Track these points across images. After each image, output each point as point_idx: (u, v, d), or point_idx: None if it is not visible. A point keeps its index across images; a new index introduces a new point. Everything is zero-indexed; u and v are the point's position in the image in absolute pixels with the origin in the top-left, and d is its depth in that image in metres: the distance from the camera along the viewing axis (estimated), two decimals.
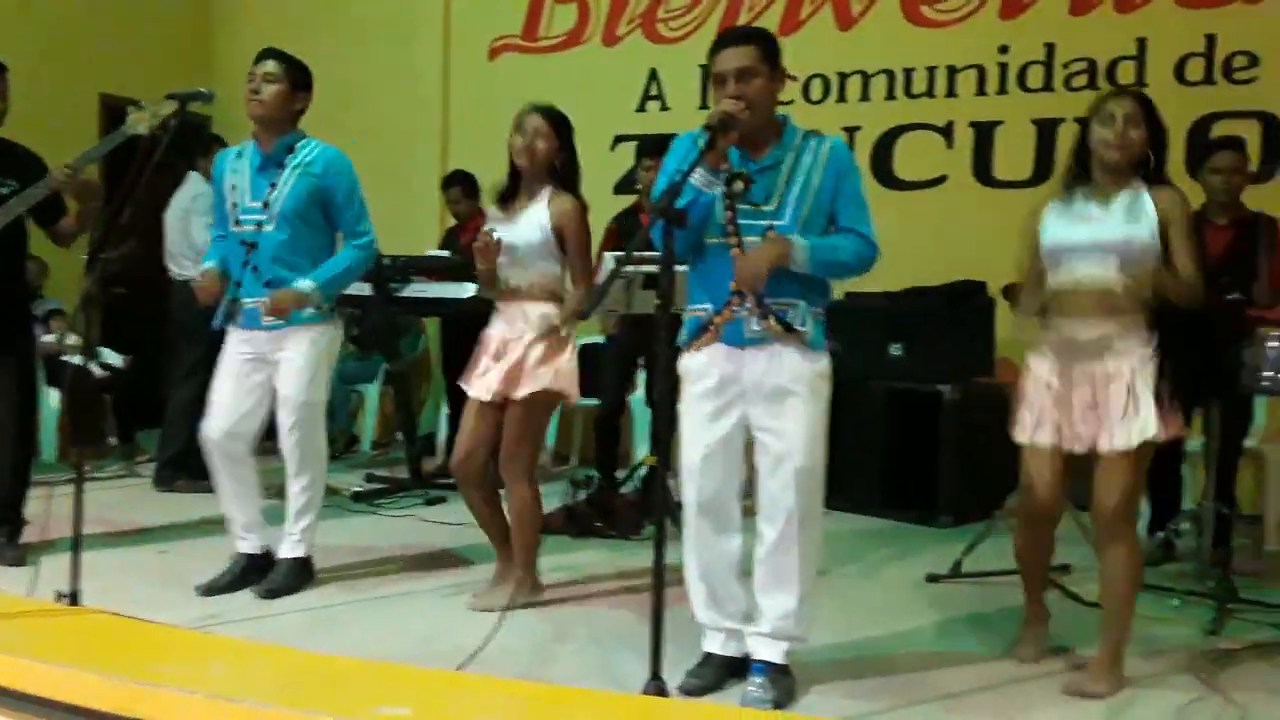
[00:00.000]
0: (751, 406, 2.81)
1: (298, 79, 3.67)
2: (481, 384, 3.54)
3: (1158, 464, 4.32)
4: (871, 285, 5.50)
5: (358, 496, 5.22)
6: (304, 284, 3.58)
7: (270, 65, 3.63)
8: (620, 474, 5.14)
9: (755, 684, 2.42)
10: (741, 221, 2.77)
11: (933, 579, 4.06)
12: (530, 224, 3.50)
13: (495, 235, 3.42)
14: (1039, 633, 3.27)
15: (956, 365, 5.10)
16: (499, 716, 2.03)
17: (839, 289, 5.63)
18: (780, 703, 2.77)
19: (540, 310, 3.50)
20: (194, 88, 3.32)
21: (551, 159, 3.52)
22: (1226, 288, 3.67)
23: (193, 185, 5.39)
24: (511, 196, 3.58)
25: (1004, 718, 2.82)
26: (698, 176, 2.67)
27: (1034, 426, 3.02)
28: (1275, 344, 3.67)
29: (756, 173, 2.78)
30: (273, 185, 3.62)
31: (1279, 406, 4.84)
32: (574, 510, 4.72)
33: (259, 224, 3.62)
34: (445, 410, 6.14)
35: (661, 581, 2.44)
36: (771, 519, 2.80)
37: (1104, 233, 2.96)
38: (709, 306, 2.83)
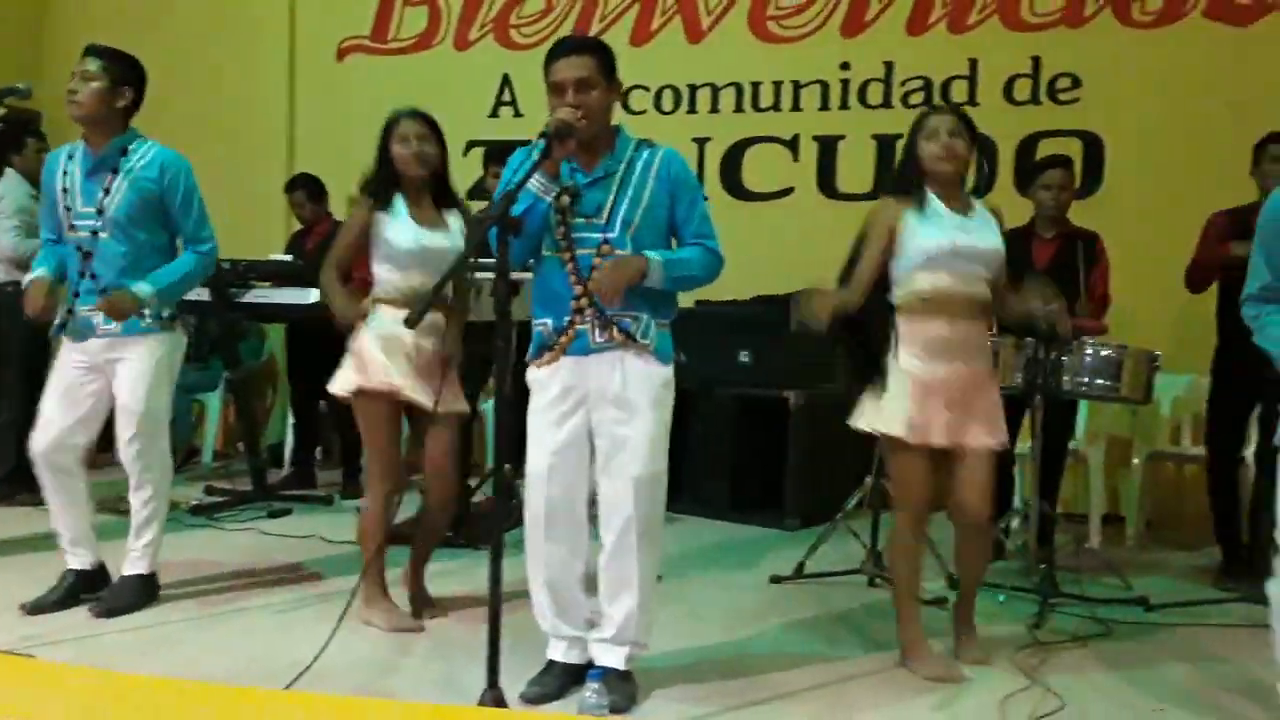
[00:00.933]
0: (595, 412, 2.83)
1: (121, 75, 3.48)
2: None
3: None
4: (720, 294, 5.66)
5: (196, 510, 5.02)
6: (141, 288, 3.43)
7: (89, 63, 3.44)
8: (472, 483, 5.09)
9: (592, 690, 2.44)
10: (575, 235, 2.79)
11: (776, 580, 4.16)
12: (457, 234, 3.47)
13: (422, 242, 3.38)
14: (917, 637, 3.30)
15: (802, 372, 5.24)
16: None
17: (688, 298, 5.77)
18: (620, 707, 2.79)
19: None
20: (12, 84, 3.15)
21: (437, 164, 3.47)
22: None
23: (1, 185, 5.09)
24: (388, 201, 3.43)
25: (834, 711, 2.90)
26: (535, 183, 2.68)
27: (921, 427, 3.08)
28: (1091, 352, 3.91)
29: (588, 185, 2.79)
30: (106, 190, 3.45)
31: (1100, 411, 5.14)
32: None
33: (94, 231, 3.45)
34: (291, 420, 5.98)
35: (499, 591, 2.43)
36: (612, 525, 2.82)
37: (980, 241, 3.14)
38: (549, 321, 2.85)
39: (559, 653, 2.95)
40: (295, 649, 3.03)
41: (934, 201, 3.16)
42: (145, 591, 3.59)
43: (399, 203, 3.43)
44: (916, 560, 3.27)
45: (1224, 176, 4.53)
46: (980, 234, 3.16)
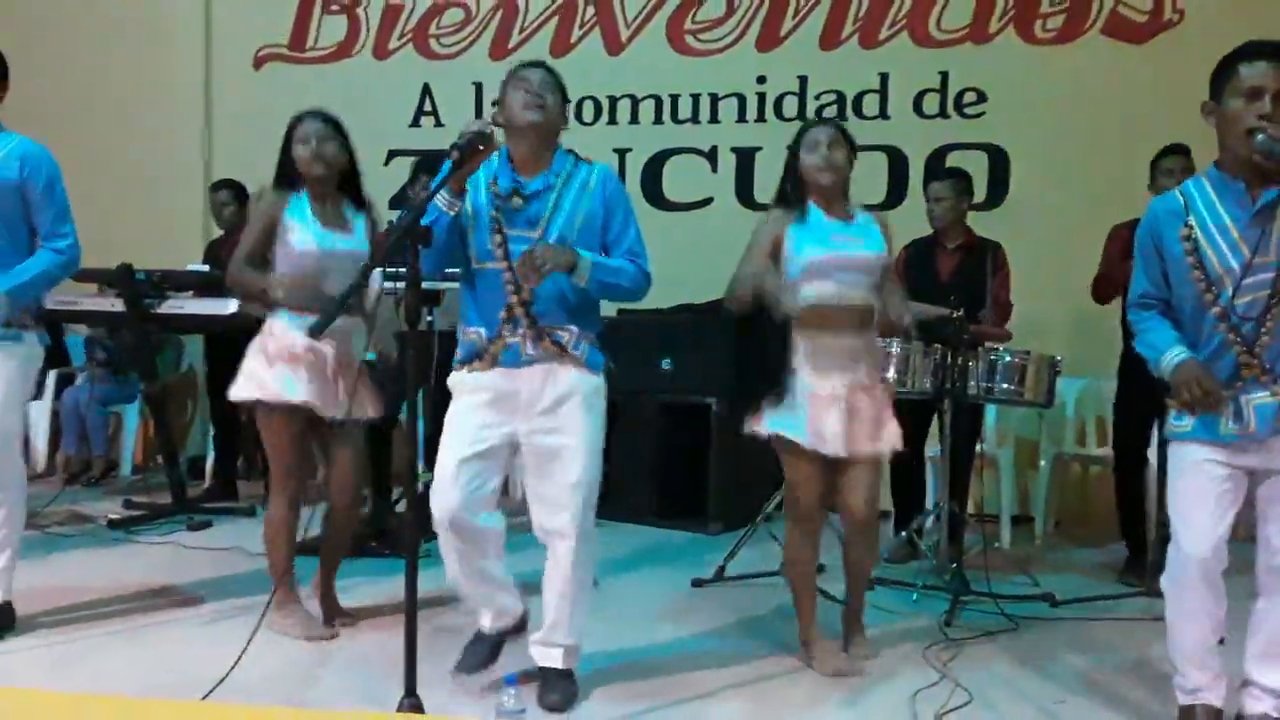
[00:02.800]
0: (524, 423, 2.87)
1: None
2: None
3: (902, 468, 4.70)
4: (642, 303, 5.72)
5: (114, 524, 4.94)
6: None
7: None
8: (396, 491, 5.08)
9: (509, 694, 2.47)
10: (512, 247, 2.82)
11: (698, 584, 4.23)
12: (362, 237, 3.48)
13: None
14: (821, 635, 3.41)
15: (723, 378, 5.33)
16: None
17: (611, 307, 5.82)
18: (558, 707, 2.89)
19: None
20: None
21: (342, 165, 3.46)
22: (954, 307, 3.98)
23: None
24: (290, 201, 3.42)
25: (754, 709, 2.99)
26: (440, 198, 2.72)
27: (815, 435, 3.16)
28: (995, 357, 4.05)
29: (528, 195, 2.85)
30: None
31: (1009, 414, 5.31)
32: None
33: None
34: (212, 432, 5.90)
35: (414, 599, 2.46)
36: (549, 532, 2.89)
37: (859, 251, 3.23)
38: (482, 330, 2.88)
39: (486, 623, 3.10)
40: (214, 661, 2.99)
41: (815, 212, 3.25)
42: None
43: (303, 204, 3.41)
44: (808, 563, 3.36)
45: (1121, 187, 4.72)
46: (859, 242, 3.24)
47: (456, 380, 2.93)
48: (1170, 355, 2.70)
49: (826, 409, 3.15)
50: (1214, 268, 2.63)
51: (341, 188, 3.50)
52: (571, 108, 6.09)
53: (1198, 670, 2.74)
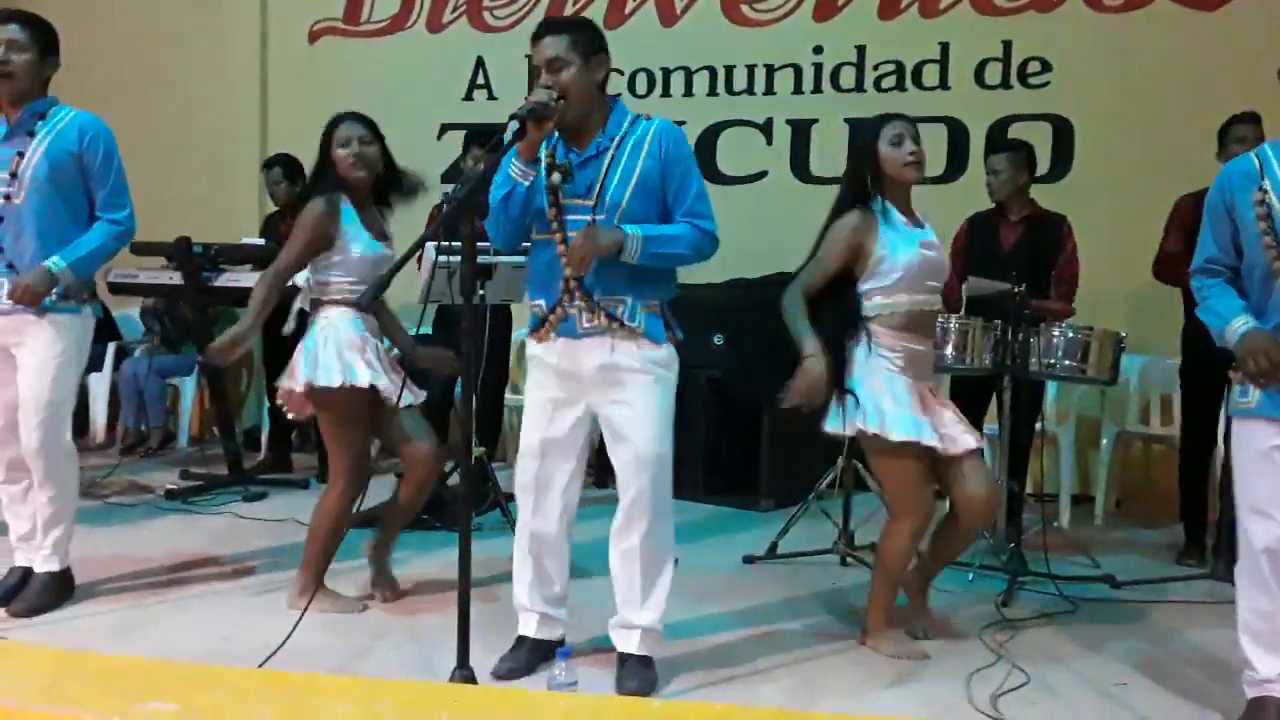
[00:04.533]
0: (593, 395, 2.84)
1: (47, 43, 3.33)
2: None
3: None
4: (695, 277, 5.66)
5: (171, 494, 5.02)
6: (54, 263, 3.23)
7: (14, 30, 3.25)
8: (449, 466, 5.10)
9: (561, 668, 2.47)
10: (567, 217, 2.78)
11: (749, 560, 4.20)
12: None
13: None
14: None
15: (776, 355, 5.26)
16: (270, 710, 2.02)
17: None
18: (636, 692, 2.81)
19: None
20: None
21: (379, 169, 3.44)
22: (1015, 281, 3.89)
23: None
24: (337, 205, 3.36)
25: (805, 688, 2.96)
26: (513, 167, 2.69)
27: (935, 433, 3.10)
28: (1057, 334, 3.96)
29: (580, 164, 2.78)
30: (20, 155, 3.28)
31: (1069, 391, 5.20)
32: None
33: (6, 196, 3.28)
34: (268, 404, 5.97)
35: (468, 572, 2.45)
36: (621, 505, 2.86)
37: (941, 257, 3.21)
38: (542, 302, 2.86)
39: (530, 628, 3.00)
40: (269, 630, 3.04)
41: (893, 212, 3.15)
42: (59, 589, 3.43)
43: (350, 212, 3.38)
44: (911, 559, 3.32)
45: (1189, 160, 4.57)
46: (937, 246, 3.21)
47: (530, 352, 2.93)
48: (1236, 324, 2.60)
49: (937, 408, 3.15)
50: None
51: (375, 192, 3.49)
52: (625, 80, 6.16)
53: (1270, 663, 2.63)
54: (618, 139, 2.78)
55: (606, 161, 2.77)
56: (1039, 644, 3.33)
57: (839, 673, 3.08)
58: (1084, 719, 2.83)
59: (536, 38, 2.78)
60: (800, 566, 4.13)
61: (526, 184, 2.73)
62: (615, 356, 2.79)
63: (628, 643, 2.90)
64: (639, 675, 2.86)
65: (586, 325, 2.80)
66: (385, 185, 3.52)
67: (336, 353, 3.31)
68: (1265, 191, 2.57)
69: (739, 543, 4.46)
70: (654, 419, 2.80)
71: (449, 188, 5.50)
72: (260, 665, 2.78)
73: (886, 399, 3.08)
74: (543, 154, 2.78)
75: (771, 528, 4.38)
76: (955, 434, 3.13)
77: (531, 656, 2.97)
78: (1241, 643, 2.68)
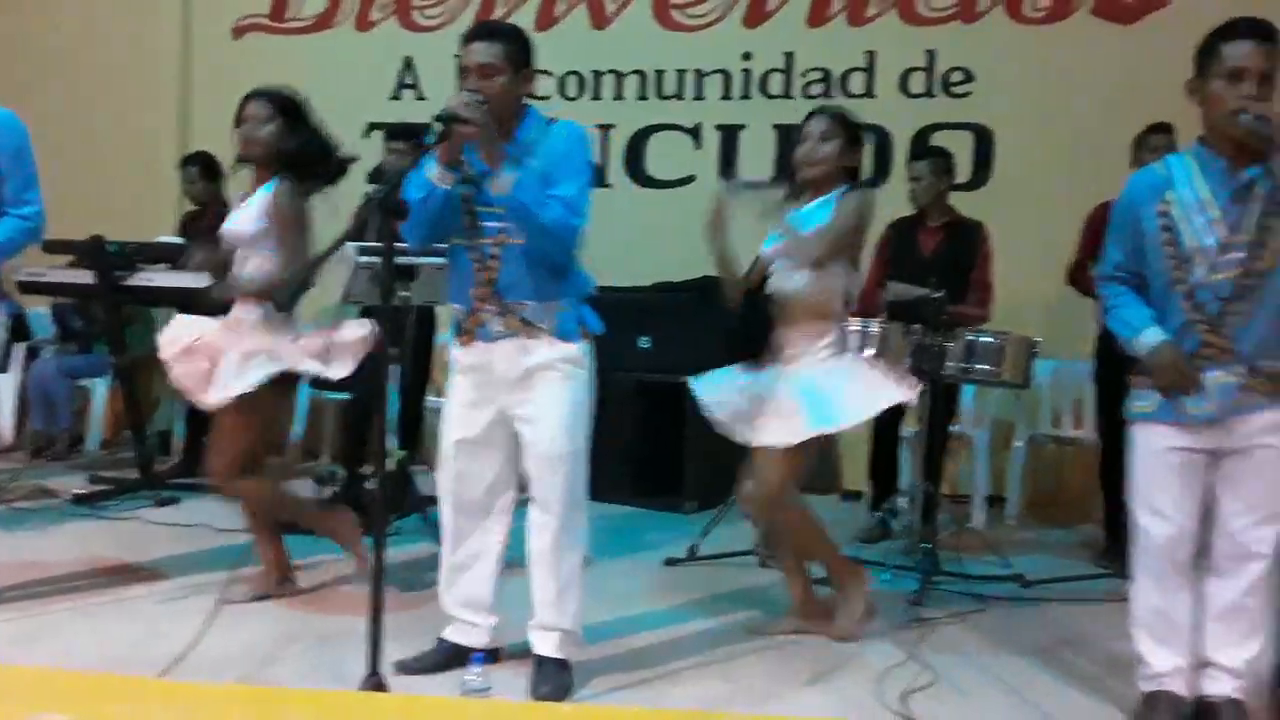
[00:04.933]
0: (505, 397, 2.84)
1: None
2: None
3: (878, 448, 4.69)
4: (622, 279, 5.69)
5: (79, 499, 4.88)
6: None
7: None
8: (368, 469, 5.04)
9: (474, 673, 2.45)
10: (482, 224, 2.79)
11: (671, 563, 4.21)
12: (253, 213, 3.39)
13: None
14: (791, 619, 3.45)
15: (701, 357, 5.28)
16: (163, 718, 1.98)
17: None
18: (548, 699, 2.79)
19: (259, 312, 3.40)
20: None
21: (276, 145, 3.39)
22: (934, 286, 3.95)
23: None
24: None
25: (720, 689, 2.96)
26: (431, 171, 2.67)
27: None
28: (973, 338, 4.03)
29: (488, 173, 2.76)
30: None
31: (985, 395, 5.29)
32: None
33: None
34: (181, 407, 5.83)
35: (381, 578, 2.42)
36: (531, 506, 2.86)
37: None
38: (460, 306, 2.88)
39: (450, 632, 3.00)
40: (176, 638, 2.98)
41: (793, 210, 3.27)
42: None
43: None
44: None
45: (1105, 168, 4.66)
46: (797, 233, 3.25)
47: (453, 355, 2.94)
48: (1147, 335, 2.67)
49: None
50: (1187, 244, 2.61)
51: (288, 170, 3.42)
52: (555, 82, 6.15)
53: (1162, 657, 2.72)
54: (527, 144, 2.78)
55: (516, 168, 2.75)
56: (950, 642, 3.38)
57: (756, 673, 3.10)
58: (991, 716, 2.87)
59: (471, 40, 2.78)
60: (721, 568, 4.15)
61: (445, 188, 2.71)
62: (526, 358, 2.80)
63: (544, 645, 2.89)
64: (552, 680, 2.85)
65: (499, 329, 2.81)
66: (300, 163, 3.43)
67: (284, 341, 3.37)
68: (1168, 203, 2.64)
69: (661, 545, 4.46)
70: (561, 416, 2.80)
71: (374, 188, 5.44)
72: (162, 674, 2.71)
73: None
74: (464, 160, 2.77)
75: (694, 529, 4.39)
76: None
77: (441, 658, 2.95)
78: (1136, 638, 2.75)
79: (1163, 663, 2.71)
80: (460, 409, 2.90)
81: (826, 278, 3.22)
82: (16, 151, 3.28)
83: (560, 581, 2.85)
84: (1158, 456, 2.67)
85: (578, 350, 2.84)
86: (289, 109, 3.42)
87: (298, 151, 3.41)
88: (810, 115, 3.34)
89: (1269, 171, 2.47)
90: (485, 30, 2.83)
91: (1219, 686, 2.70)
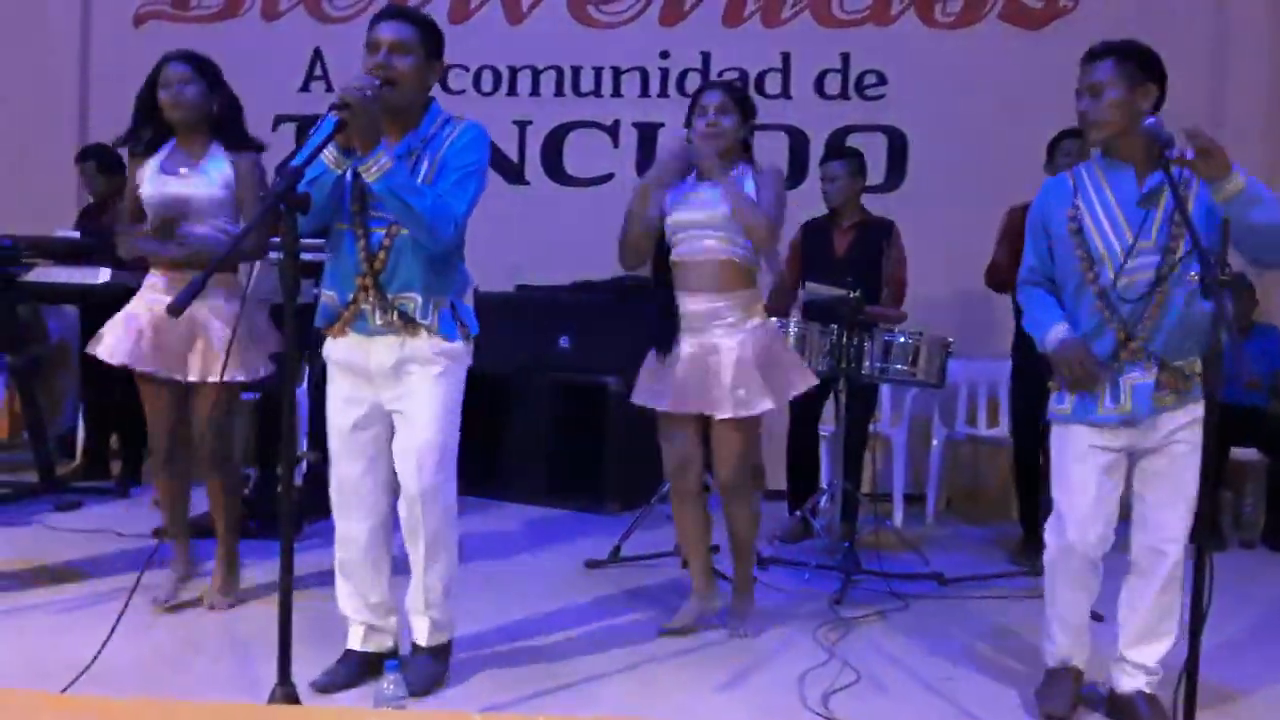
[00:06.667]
0: (383, 392, 2.78)
1: None
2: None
3: (797, 447, 4.70)
4: (541, 279, 5.64)
5: None
6: None
7: None
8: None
9: (389, 680, 2.38)
10: (370, 212, 2.71)
11: (592, 564, 4.17)
12: (211, 180, 3.30)
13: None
14: (697, 606, 3.45)
15: (621, 357, 5.26)
16: None
17: (508, 281, 5.69)
18: (416, 689, 2.76)
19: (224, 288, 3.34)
20: None
21: (207, 107, 3.32)
22: (849, 286, 3.98)
23: None
24: (153, 149, 3.34)
25: (639, 692, 2.94)
26: (327, 154, 2.57)
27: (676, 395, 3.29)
28: (887, 338, 4.07)
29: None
30: None
31: (903, 394, 5.35)
32: None
33: None
34: (83, 407, 5.62)
35: (289, 582, 2.34)
36: (403, 501, 2.79)
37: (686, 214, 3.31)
38: (334, 294, 2.79)
39: (356, 641, 2.91)
40: (78, 649, 2.84)
41: (691, 178, 3.33)
42: None
43: (163, 152, 3.34)
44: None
45: (1016, 171, 4.76)
46: (713, 202, 3.25)
47: (325, 350, 2.86)
48: (1053, 333, 2.75)
49: (689, 368, 3.24)
50: (1097, 248, 2.68)
51: (218, 134, 3.36)
52: (470, 77, 6.06)
53: (1069, 643, 2.84)
54: (426, 139, 2.73)
55: (411, 160, 2.70)
56: (871, 640, 3.41)
57: (675, 675, 3.08)
58: (911, 714, 2.89)
59: (382, 17, 2.71)
60: (642, 570, 4.12)
61: (339, 173, 2.62)
62: (404, 352, 2.74)
63: (415, 631, 2.89)
64: (418, 668, 2.84)
65: (379, 323, 2.74)
66: (224, 127, 3.38)
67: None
68: (1076, 208, 2.72)
69: (583, 546, 4.42)
70: (434, 410, 2.75)
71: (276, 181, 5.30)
72: (65, 689, 2.58)
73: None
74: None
75: (616, 531, 4.36)
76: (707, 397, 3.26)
77: (355, 670, 2.87)
78: (1048, 623, 2.88)
79: (1070, 648, 2.85)
80: (337, 406, 2.83)
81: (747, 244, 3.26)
82: None
83: (427, 567, 2.81)
84: (1078, 456, 2.74)
85: (458, 346, 2.80)
86: (208, 70, 3.35)
87: (226, 113, 3.36)
88: (702, 89, 3.39)
89: (1169, 175, 2.52)
90: (399, 10, 2.76)
91: (1132, 682, 2.79)
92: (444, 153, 2.71)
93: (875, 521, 4.27)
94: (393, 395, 2.77)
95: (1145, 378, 2.67)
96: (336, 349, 2.82)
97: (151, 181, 3.32)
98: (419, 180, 2.66)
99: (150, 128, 3.35)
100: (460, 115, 2.82)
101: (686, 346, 3.28)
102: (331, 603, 2.93)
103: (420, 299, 2.73)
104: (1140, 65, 2.63)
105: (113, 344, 3.32)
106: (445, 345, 2.76)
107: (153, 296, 3.34)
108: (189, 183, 3.30)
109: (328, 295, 2.80)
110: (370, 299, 2.72)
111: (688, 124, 3.32)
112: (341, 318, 2.77)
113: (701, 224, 3.26)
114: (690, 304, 3.28)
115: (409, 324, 2.73)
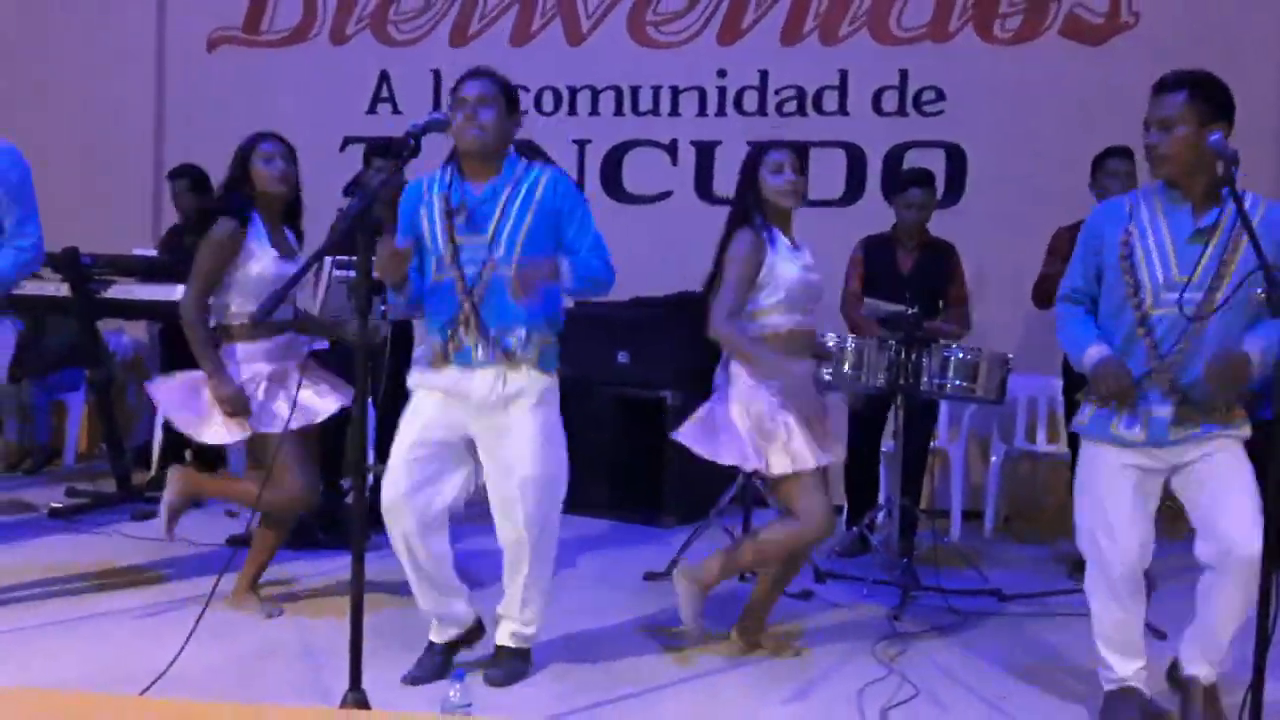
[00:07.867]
0: (476, 423, 2.91)
1: None
2: None
3: (856, 463, 4.71)
4: (601, 295, 5.70)
5: (55, 513, 4.84)
6: None
7: None
8: (346, 483, 5.02)
9: (455, 690, 2.45)
10: (462, 255, 2.88)
11: (650, 577, 4.22)
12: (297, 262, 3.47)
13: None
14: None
15: (679, 372, 5.32)
16: None
17: (567, 297, 5.76)
18: (498, 682, 2.99)
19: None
20: None
21: (296, 191, 3.55)
22: (909, 303, 4.01)
23: None
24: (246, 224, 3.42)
25: (702, 703, 2.99)
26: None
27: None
28: (948, 354, 4.08)
29: (476, 204, 2.88)
30: None
31: (962, 410, 5.34)
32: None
33: None
34: (161, 419, 5.79)
35: (360, 591, 2.43)
36: (506, 525, 2.95)
37: (818, 280, 3.31)
38: (437, 338, 2.93)
39: (434, 633, 3.09)
40: (154, 654, 2.95)
41: (779, 236, 3.24)
42: None
43: (259, 229, 3.43)
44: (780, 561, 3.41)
45: (1072, 189, 4.74)
46: (815, 270, 3.29)
47: (415, 379, 2.98)
48: (1094, 350, 2.79)
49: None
50: (1142, 278, 2.71)
51: (285, 215, 3.55)
52: (531, 98, 6.17)
53: (1123, 663, 2.84)
54: (511, 184, 2.92)
55: (501, 202, 2.89)
56: (929, 656, 3.42)
57: (734, 688, 3.12)
58: None
59: (469, 78, 2.93)
60: None
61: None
62: (504, 385, 2.88)
63: (501, 635, 3.09)
64: (506, 665, 3.05)
65: (480, 357, 2.88)
66: (293, 208, 3.58)
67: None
68: (1129, 234, 2.75)
69: (641, 559, 4.47)
70: (538, 444, 2.91)
71: (350, 201, 5.43)
72: (143, 692, 2.69)
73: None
74: (435, 195, 2.92)
75: (673, 543, 4.41)
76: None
77: (440, 661, 3.06)
78: (1098, 648, 2.87)
79: (1125, 669, 2.84)
80: (419, 424, 2.94)
81: None
82: (20, 184, 3.35)
83: (526, 590, 3.01)
84: (1107, 474, 2.78)
85: (552, 380, 2.97)
86: (293, 157, 3.53)
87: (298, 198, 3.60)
88: (770, 146, 3.30)
89: (1234, 191, 2.51)
90: (480, 70, 2.98)
91: (1195, 669, 2.80)
92: (541, 200, 2.90)
93: (933, 537, 4.27)
94: (489, 428, 2.90)
95: (1163, 411, 2.70)
96: (435, 379, 2.94)
97: (269, 261, 3.41)
98: (511, 226, 2.88)
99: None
100: (537, 154, 3.05)
101: None
102: (402, 611, 3.03)
103: (524, 331, 2.88)
104: (1211, 101, 2.63)
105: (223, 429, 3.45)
106: (543, 378, 2.92)
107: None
108: (289, 264, 3.43)
109: (431, 339, 2.94)
110: (471, 333, 2.87)
111: (753, 175, 3.26)
112: (442, 355, 2.91)
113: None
114: None
115: (509, 357, 2.86)
